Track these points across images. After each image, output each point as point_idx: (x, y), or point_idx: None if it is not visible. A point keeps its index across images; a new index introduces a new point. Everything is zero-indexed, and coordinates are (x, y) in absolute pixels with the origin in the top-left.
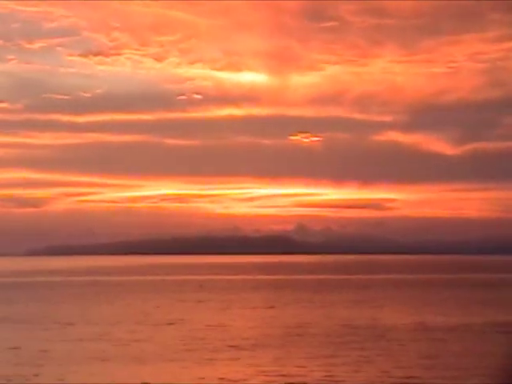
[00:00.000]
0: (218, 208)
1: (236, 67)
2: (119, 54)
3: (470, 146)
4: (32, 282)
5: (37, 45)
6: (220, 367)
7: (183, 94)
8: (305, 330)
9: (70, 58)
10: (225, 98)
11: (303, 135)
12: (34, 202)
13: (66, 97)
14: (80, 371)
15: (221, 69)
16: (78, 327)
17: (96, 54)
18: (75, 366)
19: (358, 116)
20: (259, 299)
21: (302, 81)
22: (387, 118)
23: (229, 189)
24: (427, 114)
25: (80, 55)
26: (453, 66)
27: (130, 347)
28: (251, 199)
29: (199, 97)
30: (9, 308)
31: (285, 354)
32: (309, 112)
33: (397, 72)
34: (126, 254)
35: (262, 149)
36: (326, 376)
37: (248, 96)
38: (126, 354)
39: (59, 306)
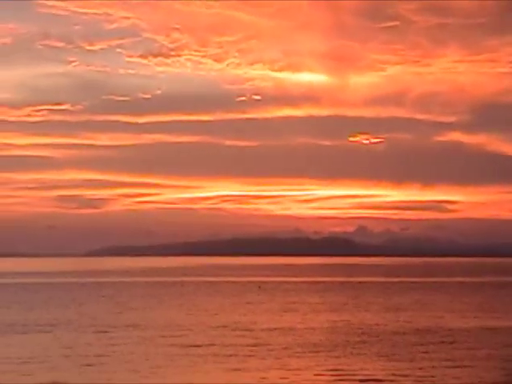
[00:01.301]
0: (277, 209)
1: (296, 68)
2: (179, 55)
3: None
4: (93, 282)
5: (97, 46)
6: (293, 371)
7: (243, 95)
8: (373, 333)
9: (130, 59)
10: (284, 98)
11: (363, 136)
12: (94, 203)
13: (125, 98)
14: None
15: (280, 69)
16: (142, 330)
17: (156, 55)
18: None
19: (419, 116)
20: (320, 301)
21: (362, 81)
22: (450, 119)
23: (288, 190)
24: (490, 114)
25: (140, 56)
26: None
27: (200, 349)
28: (311, 200)
29: (258, 98)
30: (71, 311)
31: (357, 358)
32: (369, 113)
33: (460, 72)
34: (185, 255)
35: (322, 150)
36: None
37: (307, 96)
38: (196, 356)
39: (123, 308)
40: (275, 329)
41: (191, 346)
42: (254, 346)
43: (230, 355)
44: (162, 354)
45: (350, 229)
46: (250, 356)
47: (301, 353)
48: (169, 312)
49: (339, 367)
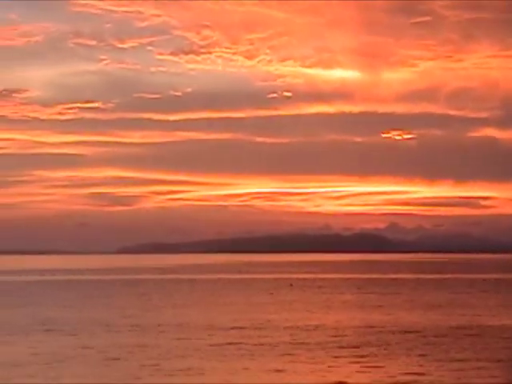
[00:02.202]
0: (308, 206)
1: (327, 64)
2: (210, 53)
3: None
4: (127, 279)
5: (128, 44)
6: (338, 369)
7: (274, 92)
8: (410, 331)
9: (161, 56)
10: (316, 95)
11: (395, 132)
12: (126, 201)
13: (156, 96)
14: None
15: (312, 66)
16: (185, 329)
17: (187, 53)
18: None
19: (452, 112)
20: (352, 298)
21: (394, 77)
22: (483, 114)
23: (320, 187)
24: None
25: (171, 54)
26: None
27: (239, 349)
28: (342, 197)
29: (290, 94)
30: (105, 309)
31: (398, 357)
32: (401, 109)
33: (493, 67)
34: (216, 252)
35: (354, 146)
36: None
37: (339, 93)
38: (237, 355)
39: (160, 307)
40: (312, 327)
41: (229, 343)
42: (292, 343)
43: (267, 355)
44: (204, 352)
45: (382, 225)
46: (290, 355)
47: (341, 351)
48: (204, 310)
49: (384, 369)
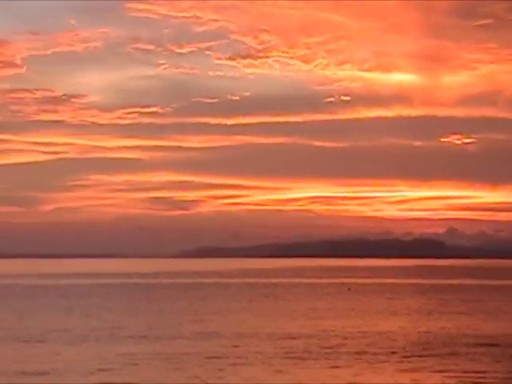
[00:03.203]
0: (367, 211)
1: (385, 68)
2: (267, 57)
3: None
4: (187, 283)
5: (186, 49)
6: (406, 374)
7: (331, 96)
8: (475, 339)
9: (219, 61)
10: (374, 99)
11: (455, 137)
12: (184, 205)
13: (214, 100)
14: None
15: (370, 70)
16: (253, 339)
17: (244, 57)
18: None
19: None
20: (411, 304)
21: (454, 81)
22: None
23: (379, 191)
24: None
25: (228, 58)
26: None
27: (311, 349)
28: (402, 202)
29: (348, 98)
30: (168, 315)
31: (462, 363)
32: (461, 113)
33: None
34: (274, 256)
35: (413, 150)
36: None
37: (398, 97)
38: (307, 368)
39: (223, 312)
40: (374, 334)
41: (293, 353)
42: (358, 353)
43: (354, 364)
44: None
45: (442, 230)
46: (356, 359)
47: (412, 358)
48: (265, 317)
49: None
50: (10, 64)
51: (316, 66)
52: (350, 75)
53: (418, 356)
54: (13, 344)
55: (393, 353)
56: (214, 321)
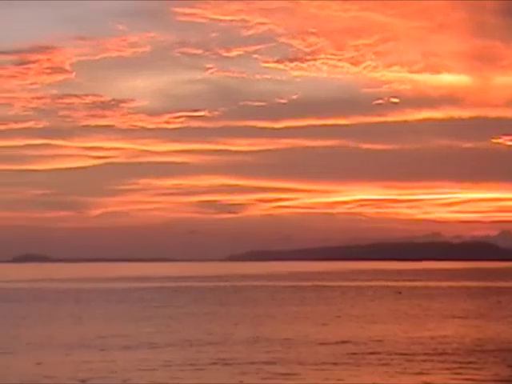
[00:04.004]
0: (417, 213)
1: (435, 69)
2: (315, 60)
3: None
4: (239, 286)
5: (234, 53)
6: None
7: (380, 98)
8: None
9: (266, 64)
10: (423, 100)
11: (507, 138)
12: (233, 208)
13: (262, 103)
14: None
15: (419, 71)
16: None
17: (292, 60)
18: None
19: None
20: (464, 307)
21: (506, 81)
22: None
23: (428, 194)
24: None
25: (276, 61)
26: None
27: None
28: (452, 204)
29: (396, 100)
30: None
31: None
32: None
33: None
34: (323, 259)
35: (463, 152)
36: None
37: (448, 98)
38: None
39: (277, 316)
40: (428, 338)
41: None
42: (401, 354)
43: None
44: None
45: (493, 233)
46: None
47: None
48: (313, 322)
49: None
50: (60, 70)
51: (364, 68)
52: (398, 77)
53: (473, 362)
54: (70, 350)
55: (444, 358)
56: (265, 325)
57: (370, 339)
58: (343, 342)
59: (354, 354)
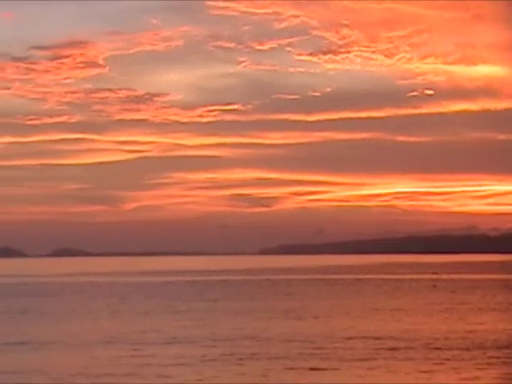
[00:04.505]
0: (452, 206)
1: (470, 60)
2: (348, 52)
3: None
4: (272, 280)
5: (267, 46)
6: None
7: (414, 90)
8: None
9: (300, 57)
10: (458, 92)
11: None
12: (266, 202)
13: (295, 96)
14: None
15: (454, 63)
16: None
17: (325, 53)
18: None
19: None
20: (502, 301)
21: None
22: None
23: (464, 186)
24: None
25: (309, 54)
26: None
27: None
28: (488, 196)
29: (431, 92)
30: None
31: None
32: None
33: None
34: (358, 252)
35: (498, 144)
36: None
37: (483, 90)
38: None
39: (313, 312)
40: (465, 332)
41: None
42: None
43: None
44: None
45: None
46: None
47: None
48: (353, 314)
49: None
50: (93, 64)
51: (398, 60)
52: (433, 68)
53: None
54: (108, 345)
55: (482, 352)
56: (300, 319)
57: (407, 333)
58: (380, 337)
59: (392, 348)
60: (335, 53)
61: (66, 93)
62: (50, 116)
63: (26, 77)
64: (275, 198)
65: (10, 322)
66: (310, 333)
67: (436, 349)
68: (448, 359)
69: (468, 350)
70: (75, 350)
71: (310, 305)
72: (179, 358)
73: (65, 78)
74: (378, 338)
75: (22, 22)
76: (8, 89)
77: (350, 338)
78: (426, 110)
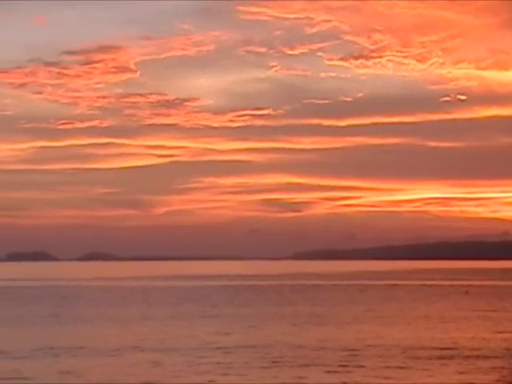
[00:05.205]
0: (485, 212)
1: (503, 66)
2: (380, 57)
3: None
4: (303, 285)
5: (298, 51)
6: None
7: (447, 95)
8: None
9: (331, 62)
10: (491, 98)
11: None
12: (297, 207)
13: (326, 101)
14: None
15: (487, 68)
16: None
17: (357, 58)
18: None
19: None
20: None
21: None
22: None
23: (496, 192)
24: None
25: (341, 59)
26: None
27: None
28: None
29: (464, 97)
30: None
31: None
32: None
33: None
34: (389, 258)
35: None
36: None
37: None
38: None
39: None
40: (499, 340)
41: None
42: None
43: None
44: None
45: None
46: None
47: None
48: (385, 321)
49: None
50: (124, 69)
51: (431, 65)
52: (466, 74)
53: None
54: (145, 352)
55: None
56: (332, 324)
57: (442, 341)
58: (413, 345)
59: (428, 358)
60: (367, 58)
61: (98, 97)
62: (82, 120)
63: (58, 81)
64: (306, 203)
65: (42, 327)
66: (343, 338)
67: (472, 357)
68: (493, 367)
69: (503, 358)
70: (107, 355)
71: (343, 311)
72: (214, 364)
73: (96, 83)
74: (411, 346)
75: (54, 27)
76: (40, 93)
77: (382, 345)
78: (458, 115)
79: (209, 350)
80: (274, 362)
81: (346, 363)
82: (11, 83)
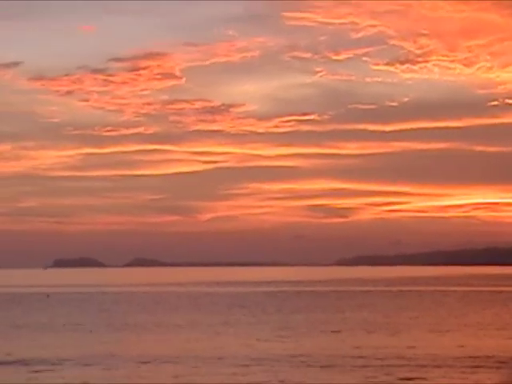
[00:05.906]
0: None
1: None
2: (426, 61)
3: None
4: (350, 291)
5: (343, 56)
6: None
7: (495, 100)
8: None
9: (376, 67)
10: None
11: None
12: (342, 212)
13: (372, 106)
14: None
15: None
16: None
17: (403, 62)
18: None
19: None
20: None
21: None
22: None
23: None
24: None
25: (386, 64)
26: None
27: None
28: None
29: None
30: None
31: None
32: None
33: None
34: (437, 264)
35: None
36: None
37: None
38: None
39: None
40: None
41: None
42: None
43: None
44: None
45: None
46: None
47: None
48: (436, 328)
49: None
50: (170, 75)
51: (478, 69)
52: None
53: None
54: (199, 362)
55: None
56: (381, 331)
57: (493, 349)
58: (466, 354)
59: (479, 366)
60: (413, 62)
61: (143, 104)
62: (127, 127)
63: (104, 89)
64: (352, 209)
65: (98, 334)
66: (393, 345)
67: None
68: None
69: None
70: (168, 362)
71: (392, 317)
72: (269, 372)
73: (142, 90)
74: (465, 355)
75: (100, 34)
76: (86, 101)
77: (433, 354)
78: (506, 119)
79: (264, 360)
80: (331, 371)
81: (408, 375)
82: (57, 91)
